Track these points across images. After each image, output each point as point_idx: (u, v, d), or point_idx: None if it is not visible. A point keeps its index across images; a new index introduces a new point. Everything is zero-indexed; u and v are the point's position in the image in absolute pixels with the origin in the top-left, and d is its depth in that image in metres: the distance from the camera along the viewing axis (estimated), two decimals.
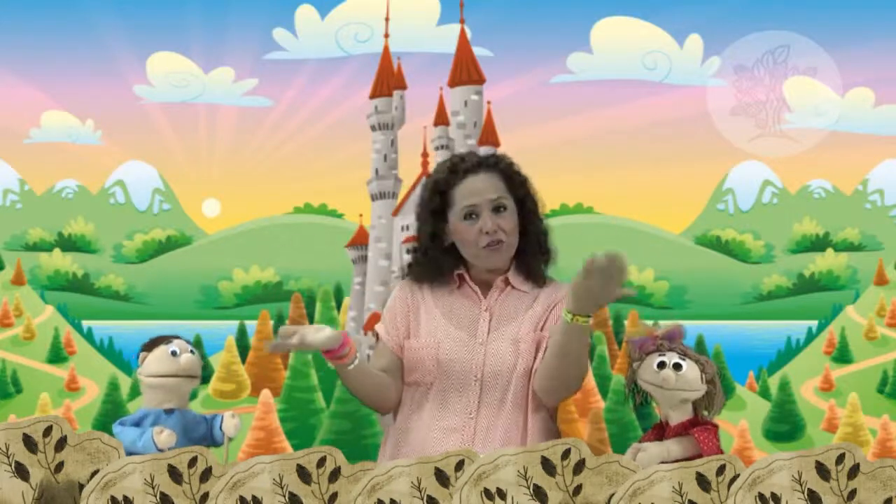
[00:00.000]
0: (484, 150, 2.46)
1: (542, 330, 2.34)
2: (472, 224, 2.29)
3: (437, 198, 2.33)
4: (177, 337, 2.12)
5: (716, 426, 2.03)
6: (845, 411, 15.52)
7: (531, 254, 2.35)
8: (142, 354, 2.11)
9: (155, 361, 2.08)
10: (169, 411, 2.07)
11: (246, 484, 1.69)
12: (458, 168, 2.32)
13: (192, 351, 2.12)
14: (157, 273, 31.23)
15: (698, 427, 2.00)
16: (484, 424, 2.28)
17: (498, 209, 2.28)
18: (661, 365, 2.02)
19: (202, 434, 2.09)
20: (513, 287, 2.37)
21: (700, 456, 1.91)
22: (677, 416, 2.05)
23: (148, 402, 2.09)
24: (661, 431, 2.07)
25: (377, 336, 2.46)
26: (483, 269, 2.36)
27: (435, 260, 2.37)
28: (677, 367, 2.01)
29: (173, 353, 2.08)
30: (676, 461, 1.88)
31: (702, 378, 2.02)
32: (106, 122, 29.78)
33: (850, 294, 25.70)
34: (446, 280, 2.39)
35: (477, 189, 2.28)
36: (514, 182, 2.34)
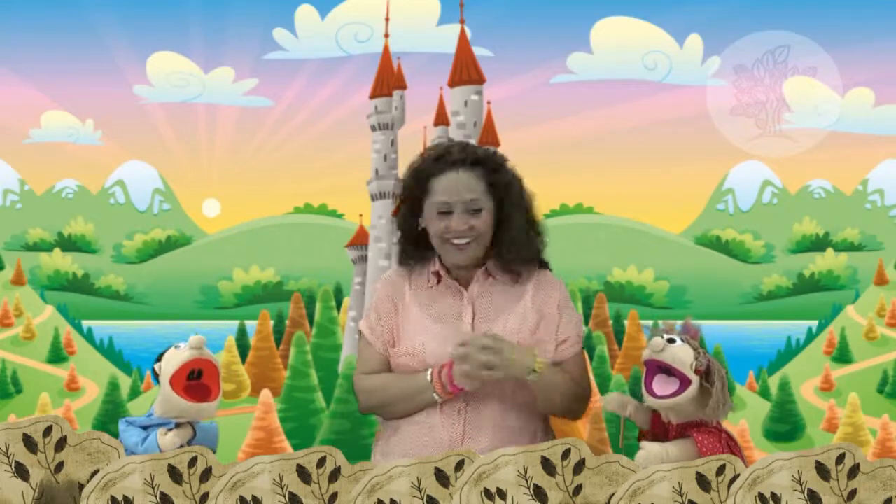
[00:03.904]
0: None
1: (538, 331, 2.32)
2: (442, 219, 2.30)
3: (415, 184, 2.35)
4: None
5: (720, 430, 2.00)
6: (845, 411, 15.49)
7: (508, 250, 2.34)
8: (156, 366, 2.05)
9: (167, 363, 2.02)
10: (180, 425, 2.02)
11: (246, 484, 1.69)
12: (443, 159, 2.32)
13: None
14: (157, 273, 31.21)
15: (700, 429, 1.99)
16: (473, 421, 2.26)
17: (472, 210, 2.28)
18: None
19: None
20: (494, 279, 2.37)
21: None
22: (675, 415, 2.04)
23: (165, 413, 1.98)
24: (661, 426, 2.06)
25: (360, 333, 2.42)
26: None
27: (416, 245, 2.39)
28: (671, 340, 2.00)
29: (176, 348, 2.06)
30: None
31: (692, 365, 1.98)
32: (106, 122, 29.78)
33: (850, 294, 25.66)
34: (426, 273, 2.39)
35: (453, 187, 2.28)
36: (496, 182, 2.32)
